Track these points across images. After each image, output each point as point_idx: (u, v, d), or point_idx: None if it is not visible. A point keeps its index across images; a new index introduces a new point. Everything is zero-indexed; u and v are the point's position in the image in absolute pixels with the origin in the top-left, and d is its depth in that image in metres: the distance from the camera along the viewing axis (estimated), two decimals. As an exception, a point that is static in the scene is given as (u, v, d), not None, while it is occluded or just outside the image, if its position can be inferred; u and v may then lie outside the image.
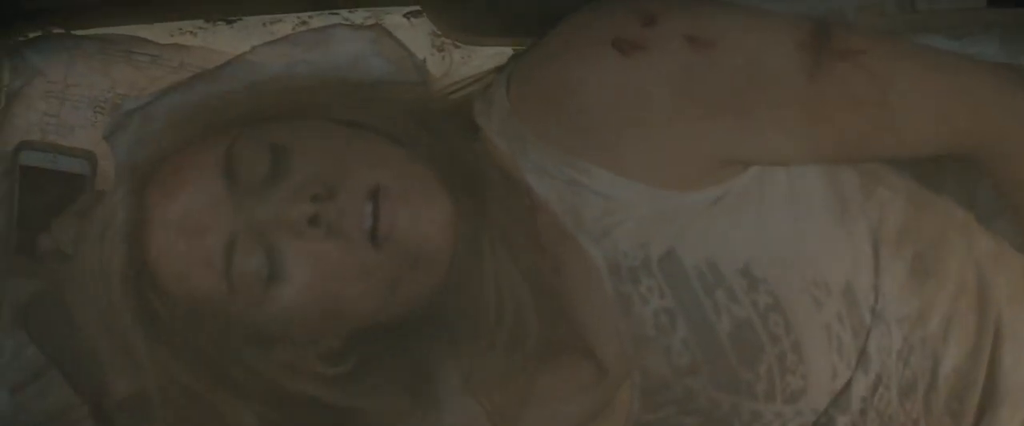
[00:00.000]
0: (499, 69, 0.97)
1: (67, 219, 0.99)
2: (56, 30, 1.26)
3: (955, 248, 0.96)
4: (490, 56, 1.20)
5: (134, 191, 0.90)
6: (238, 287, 0.87)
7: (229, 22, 1.27)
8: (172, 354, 0.91)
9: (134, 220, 0.89)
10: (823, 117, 0.89)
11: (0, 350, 1.30)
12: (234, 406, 0.94)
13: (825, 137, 0.90)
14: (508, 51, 1.15)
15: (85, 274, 0.92)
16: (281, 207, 0.85)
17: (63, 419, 1.33)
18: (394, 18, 1.23)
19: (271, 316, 0.89)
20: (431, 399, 0.99)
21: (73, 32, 1.26)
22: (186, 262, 0.88)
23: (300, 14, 1.25)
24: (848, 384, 0.93)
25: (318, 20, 1.25)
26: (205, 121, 0.94)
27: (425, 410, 1.00)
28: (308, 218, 0.84)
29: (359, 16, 1.25)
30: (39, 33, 1.26)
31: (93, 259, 0.91)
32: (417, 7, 1.21)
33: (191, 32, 1.27)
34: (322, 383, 0.94)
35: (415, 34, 1.21)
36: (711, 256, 0.89)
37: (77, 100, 1.27)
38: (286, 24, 1.24)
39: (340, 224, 0.86)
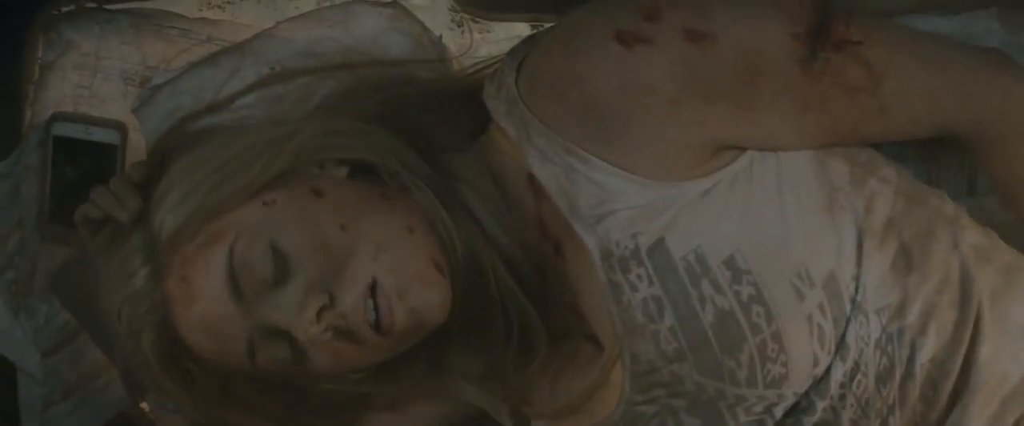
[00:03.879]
0: (511, 52, 0.98)
1: (103, 190, 1.01)
2: (89, 4, 1.28)
3: (941, 242, 0.97)
4: (509, 34, 1.21)
5: (155, 274, 0.94)
6: (267, 368, 0.95)
7: (256, -3, 1.29)
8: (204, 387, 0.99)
9: (160, 308, 0.94)
10: (818, 105, 0.90)
11: (33, 315, 1.34)
12: (262, 401, 1.02)
13: (819, 123, 0.92)
14: (527, 28, 1.16)
15: (114, 329, 0.97)
16: (290, 318, 0.92)
17: (94, 383, 1.36)
18: (414, -8, 1.25)
19: (299, 373, 0.97)
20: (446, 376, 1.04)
21: (105, 6, 1.28)
22: (216, 352, 0.95)
23: (324, -10, 1.27)
24: (827, 371, 0.94)
25: (341, -4, 1.27)
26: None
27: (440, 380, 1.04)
28: (318, 331, 0.91)
29: (381, -8, 1.27)
30: (72, 7, 1.29)
31: (123, 328, 0.97)
32: (437, -18, 1.23)
33: (219, 6, 1.28)
34: (341, 382, 1.02)
35: (434, 10, 1.22)
36: (698, 247, 0.91)
37: (108, 72, 1.30)
38: (310, 0, 1.25)
39: (347, 325, 0.92)
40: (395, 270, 0.92)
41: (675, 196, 0.91)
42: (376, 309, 0.91)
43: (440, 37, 1.15)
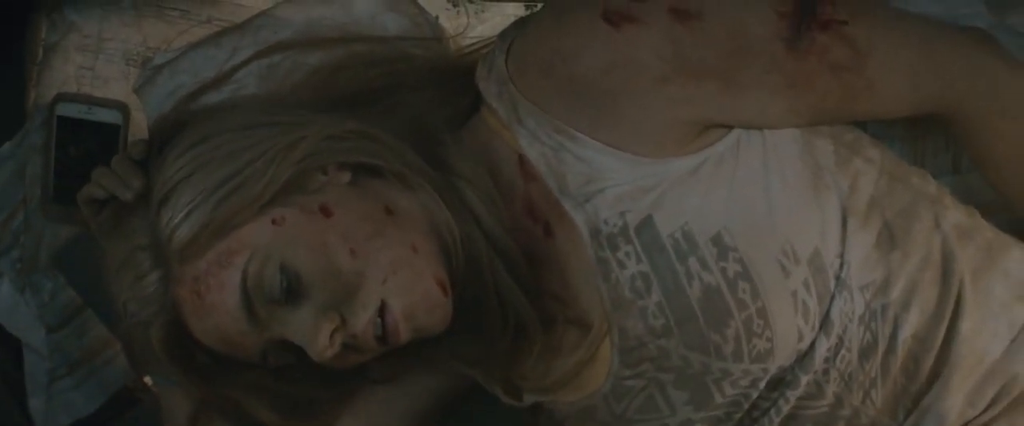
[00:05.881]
0: (502, 34, 1.00)
1: (105, 171, 1.02)
2: (91, -14, 1.29)
3: (924, 221, 0.99)
4: (503, 14, 1.22)
5: (165, 279, 0.95)
6: (276, 364, 0.99)
7: (256, -22, 1.30)
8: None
9: (170, 310, 0.96)
10: (804, 83, 0.92)
11: (38, 292, 1.35)
12: (264, 379, 1.04)
13: (805, 101, 0.93)
14: (521, 8, 1.17)
15: (119, 311, 0.99)
16: (304, 339, 0.94)
17: (98, 357, 1.38)
18: (411, -28, 1.25)
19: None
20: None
21: (107, -12, 1.29)
22: (227, 352, 0.97)
23: (323, -29, 1.27)
24: (811, 346, 0.96)
25: (340, -24, 1.27)
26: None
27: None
28: (332, 352, 0.94)
29: (379, -28, 1.27)
30: (75, -11, 1.30)
31: (130, 319, 0.98)
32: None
33: (219, -12, 1.30)
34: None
35: (431, -11, 1.23)
36: (686, 224, 0.93)
37: (111, 53, 1.31)
38: (309, -20, 1.26)
39: (355, 342, 0.95)
40: (402, 293, 0.94)
41: (663, 173, 0.93)
42: (383, 326, 0.95)
43: (436, 18, 1.16)
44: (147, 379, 1.16)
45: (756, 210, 0.93)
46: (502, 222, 0.99)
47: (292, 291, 0.93)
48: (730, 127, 0.94)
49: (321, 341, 0.93)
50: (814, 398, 0.99)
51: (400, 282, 0.94)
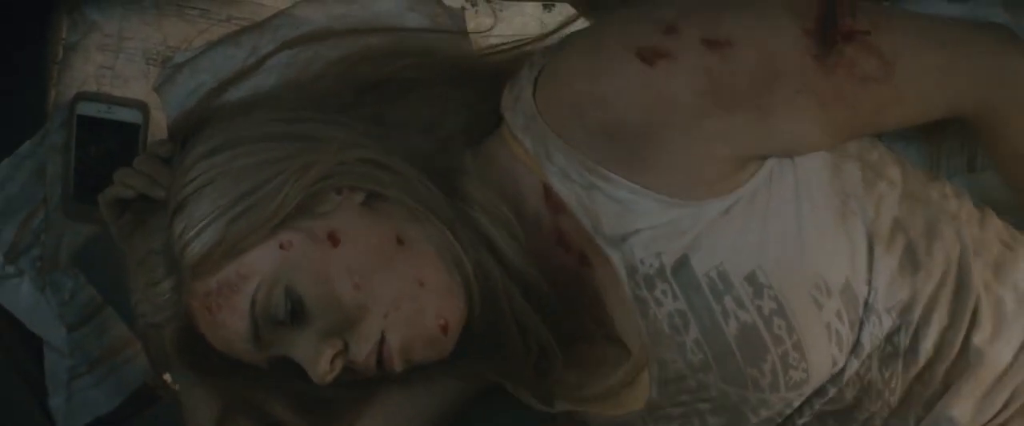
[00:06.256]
0: (530, 63, 0.99)
1: (130, 171, 1.02)
2: (112, -15, 1.30)
3: (945, 239, 0.99)
4: (524, 14, 1.22)
5: (178, 288, 0.96)
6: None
7: (275, -23, 1.30)
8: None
9: (183, 316, 0.97)
10: (835, 98, 0.91)
11: (59, 290, 1.35)
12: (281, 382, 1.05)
13: (839, 116, 0.92)
14: (540, 8, 1.17)
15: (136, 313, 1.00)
16: (306, 361, 0.96)
17: (119, 355, 1.38)
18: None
19: None
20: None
21: (127, -12, 1.30)
22: (238, 356, 0.98)
23: (342, -30, 1.27)
24: (842, 369, 0.96)
25: (359, -25, 1.27)
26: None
27: None
28: (333, 375, 0.95)
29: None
30: (96, -11, 1.30)
31: (143, 320, 0.99)
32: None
33: (239, -13, 1.30)
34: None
35: (448, -11, 1.23)
36: (721, 264, 0.92)
37: (131, 52, 1.31)
38: (328, -20, 1.26)
39: (354, 365, 0.96)
40: (402, 328, 0.95)
41: (697, 214, 0.92)
42: (379, 356, 0.96)
43: (462, 10, 1.15)
44: (167, 377, 1.16)
45: (789, 245, 0.93)
46: (521, 252, 0.98)
47: (296, 315, 0.94)
48: (764, 159, 0.93)
49: (322, 366, 0.94)
50: (835, 401, 0.99)
51: (401, 317, 0.95)
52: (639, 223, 0.93)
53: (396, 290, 0.94)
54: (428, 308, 0.95)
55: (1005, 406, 1.00)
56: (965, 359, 0.98)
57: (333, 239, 0.94)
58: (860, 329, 0.95)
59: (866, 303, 0.95)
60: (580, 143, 0.93)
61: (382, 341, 0.95)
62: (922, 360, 0.98)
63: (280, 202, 0.92)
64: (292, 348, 0.96)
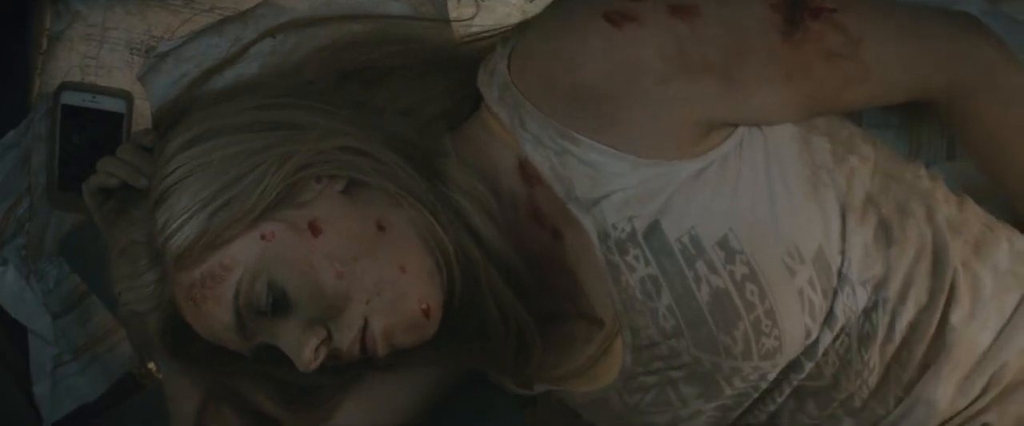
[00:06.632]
0: (504, 38, 1.00)
1: (114, 160, 1.03)
2: (95, -24, 1.30)
3: (917, 216, 1.00)
4: (508, 3, 1.22)
5: (162, 280, 0.96)
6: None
7: (258, -34, 1.30)
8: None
9: (166, 306, 0.98)
10: (801, 72, 0.93)
11: (43, 278, 1.35)
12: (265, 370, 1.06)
13: (804, 91, 0.94)
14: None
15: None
16: (290, 349, 0.96)
17: (103, 343, 1.38)
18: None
19: None
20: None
21: (111, -22, 1.30)
22: (221, 344, 0.99)
23: (326, -41, 1.28)
24: (817, 339, 0.97)
25: (342, -35, 1.27)
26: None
27: None
28: (317, 362, 0.96)
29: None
30: (79, -21, 1.30)
31: (127, 309, 1.00)
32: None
33: (222, -23, 1.30)
34: None
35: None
36: (692, 228, 0.93)
37: (115, 42, 1.32)
38: (312, -31, 1.26)
39: (338, 350, 0.97)
40: (384, 314, 0.96)
41: (668, 176, 0.93)
42: (363, 342, 0.96)
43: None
44: (151, 365, 1.16)
45: (760, 211, 0.94)
46: (500, 234, 0.99)
47: (279, 305, 0.94)
48: (734, 126, 0.95)
49: (306, 355, 0.95)
50: (814, 378, 1.00)
51: (384, 303, 0.95)
52: (610, 185, 0.94)
53: (378, 276, 0.95)
54: (410, 293, 0.96)
55: (984, 391, 1.01)
56: (942, 339, 0.99)
57: (314, 228, 0.94)
58: (834, 299, 0.96)
59: (839, 273, 0.96)
60: (552, 108, 0.94)
61: (365, 327, 0.96)
62: (899, 339, 0.99)
63: (260, 193, 0.93)
64: (276, 337, 0.96)
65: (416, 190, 0.97)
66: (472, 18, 1.22)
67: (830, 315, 0.97)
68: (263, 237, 0.94)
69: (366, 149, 0.97)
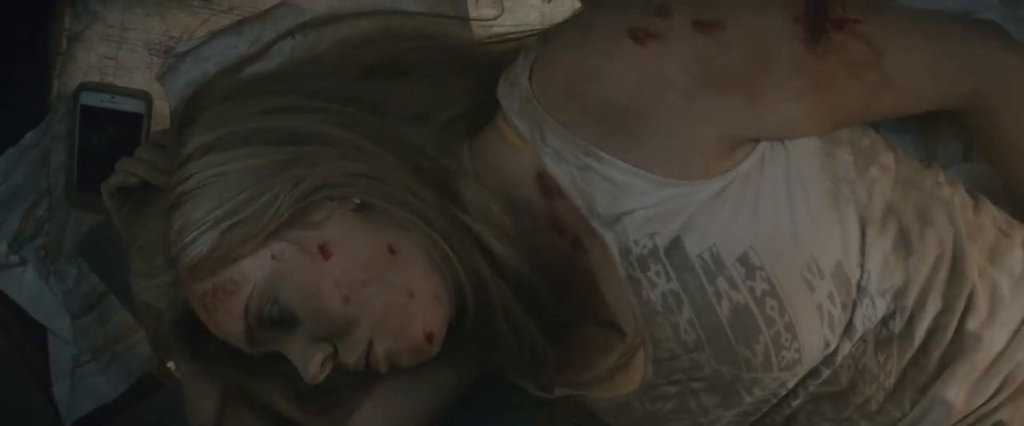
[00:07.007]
0: (526, 50, 0.99)
1: (133, 160, 1.03)
2: (114, -23, 1.31)
3: (937, 224, 0.99)
4: (528, 4, 1.22)
5: (178, 283, 0.97)
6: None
7: (277, -33, 1.31)
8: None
9: (181, 305, 0.98)
10: (826, 84, 0.92)
11: (63, 279, 1.36)
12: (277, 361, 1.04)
13: (828, 103, 0.93)
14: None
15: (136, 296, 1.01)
16: (297, 362, 0.97)
17: (122, 343, 1.39)
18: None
19: None
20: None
21: (130, -21, 1.31)
22: (234, 344, 0.99)
23: (344, -40, 1.28)
24: (835, 349, 0.97)
25: (360, -34, 1.28)
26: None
27: None
28: (323, 376, 0.97)
29: (400, -39, 1.28)
30: (98, -19, 1.31)
31: (143, 307, 1.01)
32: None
33: (240, -22, 1.31)
34: None
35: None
36: (713, 245, 0.93)
37: (134, 43, 1.32)
38: (330, -30, 1.27)
39: (343, 366, 0.97)
40: (389, 338, 0.96)
41: (690, 196, 0.92)
42: (367, 360, 0.97)
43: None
44: (170, 364, 1.16)
45: (780, 229, 0.93)
46: (515, 252, 0.98)
47: (286, 320, 0.95)
48: (756, 142, 0.94)
49: (312, 368, 0.96)
50: (831, 384, 1.00)
51: (389, 328, 0.96)
52: (632, 203, 0.93)
53: (386, 301, 0.95)
54: (416, 319, 0.96)
55: (998, 390, 1.01)
56: (959, 344, 0.99)
57: (325, 252, 0.94)
58: (853, 311, 0.96)
59: (859, 285, 0.96)
60: (574, 123, 0.93)
61: (369, 348, 0.96)
62: (916, 344, 0.98)
63: (273, 213, 0.93)
64: (284, 349, 0.97)
65: (429, 215, 0.96)
66: (494, 19, 1.21)
67: (849, 326, 0.96)
68: (273, 257, 0.94)
69: (380, 175, 0.96)
